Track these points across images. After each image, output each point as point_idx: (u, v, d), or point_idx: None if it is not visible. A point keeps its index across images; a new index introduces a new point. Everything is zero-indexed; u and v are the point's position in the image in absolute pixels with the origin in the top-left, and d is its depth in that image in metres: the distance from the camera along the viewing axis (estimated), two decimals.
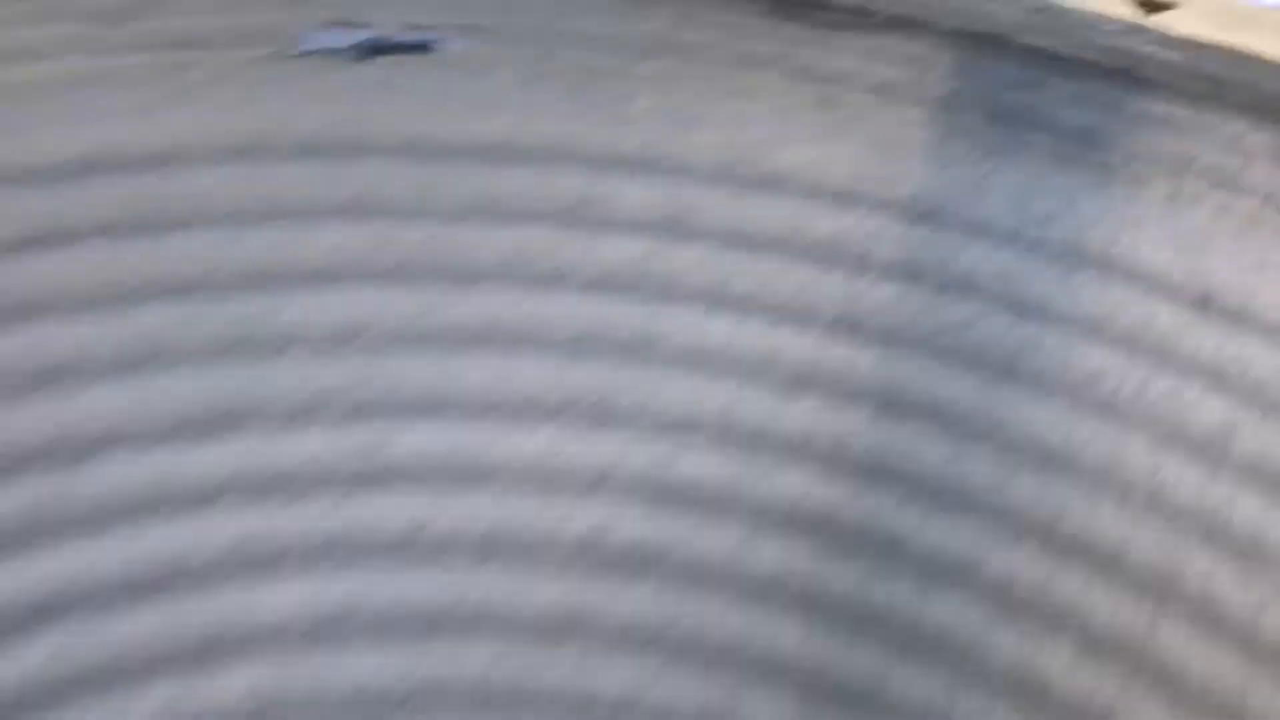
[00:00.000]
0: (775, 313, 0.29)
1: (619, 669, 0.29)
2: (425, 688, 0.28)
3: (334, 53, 0.28)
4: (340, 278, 0.28)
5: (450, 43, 0.27)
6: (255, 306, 0.28)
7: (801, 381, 0.29)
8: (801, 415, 0.29)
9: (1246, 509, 0.27)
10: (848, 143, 0.28)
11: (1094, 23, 0.24)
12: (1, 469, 0.26)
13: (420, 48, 0.27)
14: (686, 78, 0.27)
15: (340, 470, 0.29)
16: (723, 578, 0.29)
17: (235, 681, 0.27)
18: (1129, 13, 0.23)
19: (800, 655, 0.28)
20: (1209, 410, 0.28)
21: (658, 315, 0.29)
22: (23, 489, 0.27)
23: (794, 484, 0.29)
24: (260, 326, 0.28)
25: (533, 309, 0.29)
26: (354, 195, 0.29)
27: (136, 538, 0.27)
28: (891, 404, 0.29)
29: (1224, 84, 0.24)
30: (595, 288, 0.29)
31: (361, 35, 0.27)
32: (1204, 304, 0.28)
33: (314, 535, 0.28)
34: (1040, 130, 0.27)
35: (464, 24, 0.27)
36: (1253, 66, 0.23)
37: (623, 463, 0.29)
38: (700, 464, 0.29)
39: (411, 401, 0.29)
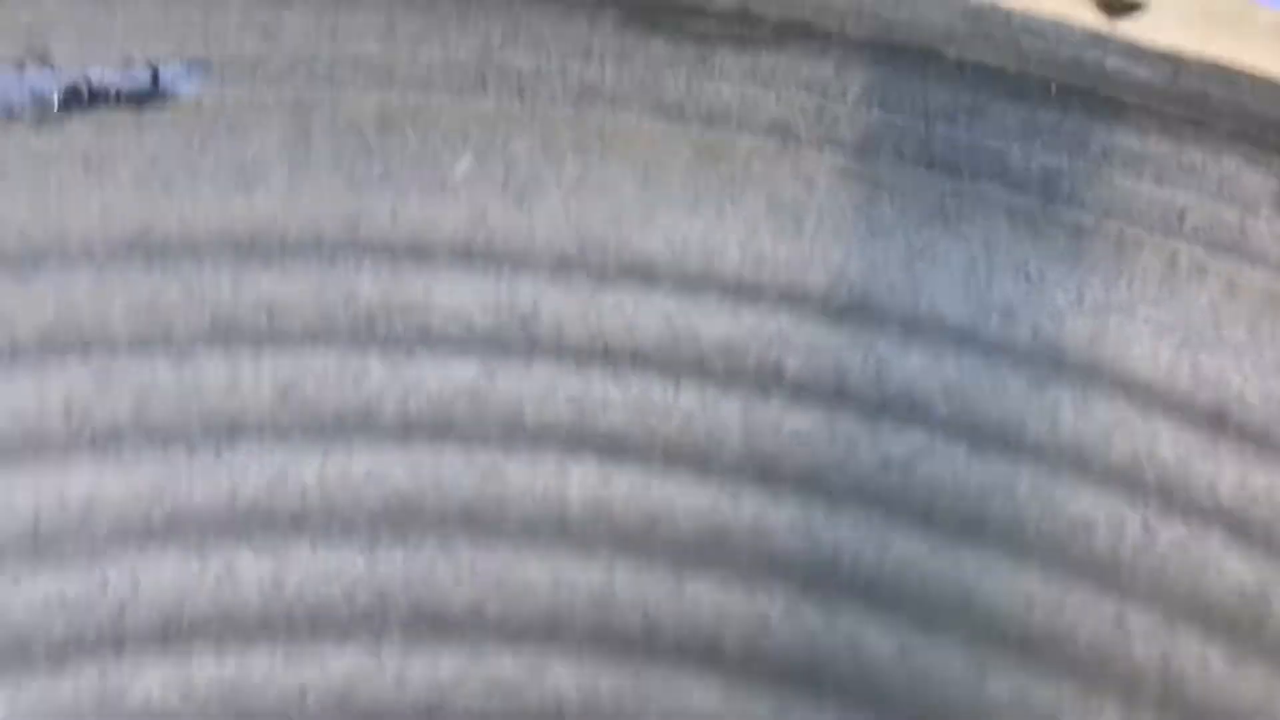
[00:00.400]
0: (658, 454, 0.21)
1: None
2: None
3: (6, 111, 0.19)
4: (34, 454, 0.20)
5: (186, 86, 0.18)
6: None
7: (699, 551, 0.21)
8: (701, 600, 0.21)
9: None
10: (738, 210, 0.20)
11: (1045, 30, 0.17)
12: None
13: (147, 96, 0.18)
14: (519, 125, 0.19)
15: None
16: None
17: None
18: (1090, 17, 0.16)
19: None
20: (1235, 568, 0.20)
21: (499, 467, 0.21)
22: None
23: (698, 698, 0.21)
24: None
25: (322, 470, 0.20)
26: None
27: None
28: (822, 578, 0.21)
29: (1209, 107, 0.17)
30: (410, 433, 0.21)
31: (52, 85, 0.18)
32: (1219, 422, 0.21)
33: None
34: (990, 178, 0.20)
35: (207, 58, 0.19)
36: (1243, 84, 0.16)
37: (461, 685, 0.20)
38: (570, 679, 0.21)
39: (154, 624, 0.20)
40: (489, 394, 0.25)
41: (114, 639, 0.23)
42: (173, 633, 0.24)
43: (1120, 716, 0.24)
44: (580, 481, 0.25)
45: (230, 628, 0.24)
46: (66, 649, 0.23)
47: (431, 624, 0.24)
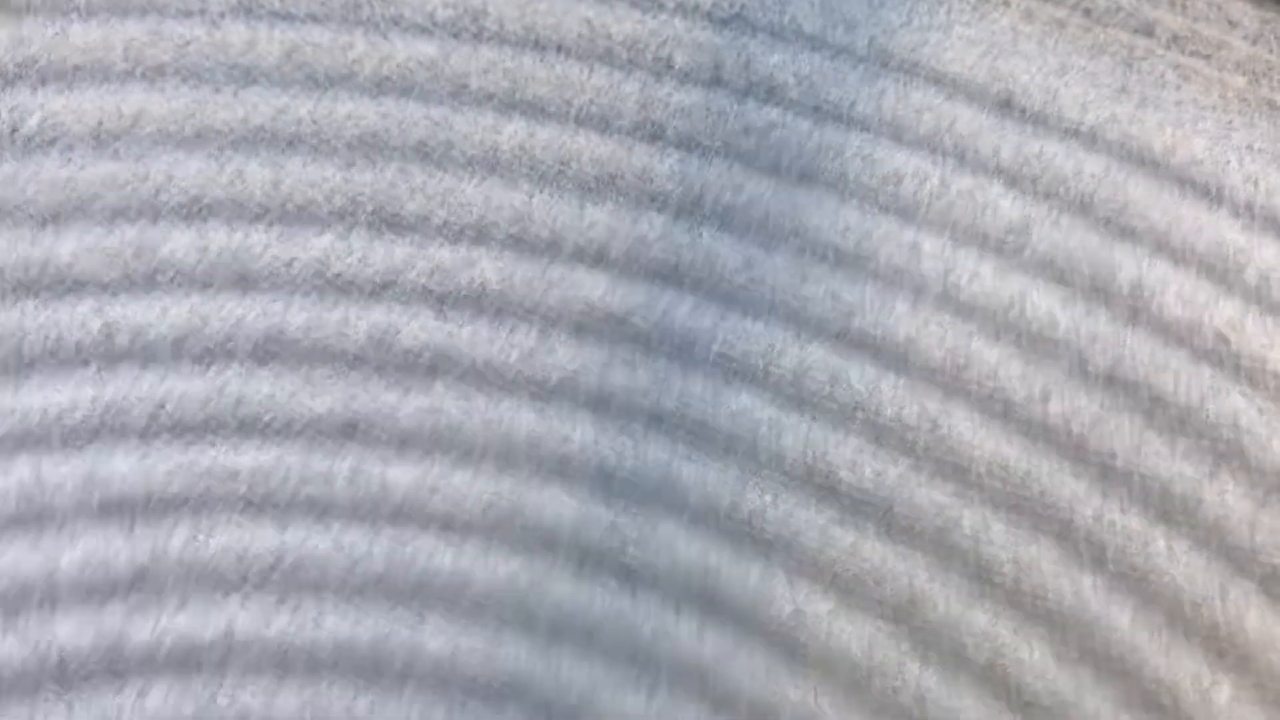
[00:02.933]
0: (572, 117, 0.30)
1: (403, 473, 0.28)
2: (195, 496, 0.27)
3: None
4: (101, 77, 0.29)
5: None
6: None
7: (599, 187, 0.30)
8: (598, 220, 0.29)
9: (1038, 302, 0.28)
10: None
11: None
12: None
13: None
14: None
15: (105, 272, 0.28)
16: (514, 381, 0.28)
17: None
18: None
19: (589, 454, 0.28)
20: (1007, 208, 0.29)
21: (448, 119, 0.30)
22: None
23: (589, 288, 0.29)
24: (7, 127, 0.28)
25: (314, 109, 0.29)
26: None
27: None
28: (690, 209, 0.29)
29: None
30: (381, 90, 0.30)
31: None
32: (1006, 106, 0.30)
33: (75, 334, 0.27)
34: None
35: None
36: None
37: (410, 268, 0.29)
38: (492, 269, 0.29)
39: (182, 203, 0.28)
40: (444, 66, 0.34)
41: (152, 211, 0.32)
42: (194, 211, 0.33)
43: (910, 308, 0.32)
44: (510, 133, 0.34)
45: (239, 212, 0.33)
46: (115, 218, 0.32)
47: (389, 223, 0.33)
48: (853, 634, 0.29)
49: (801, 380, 0.30)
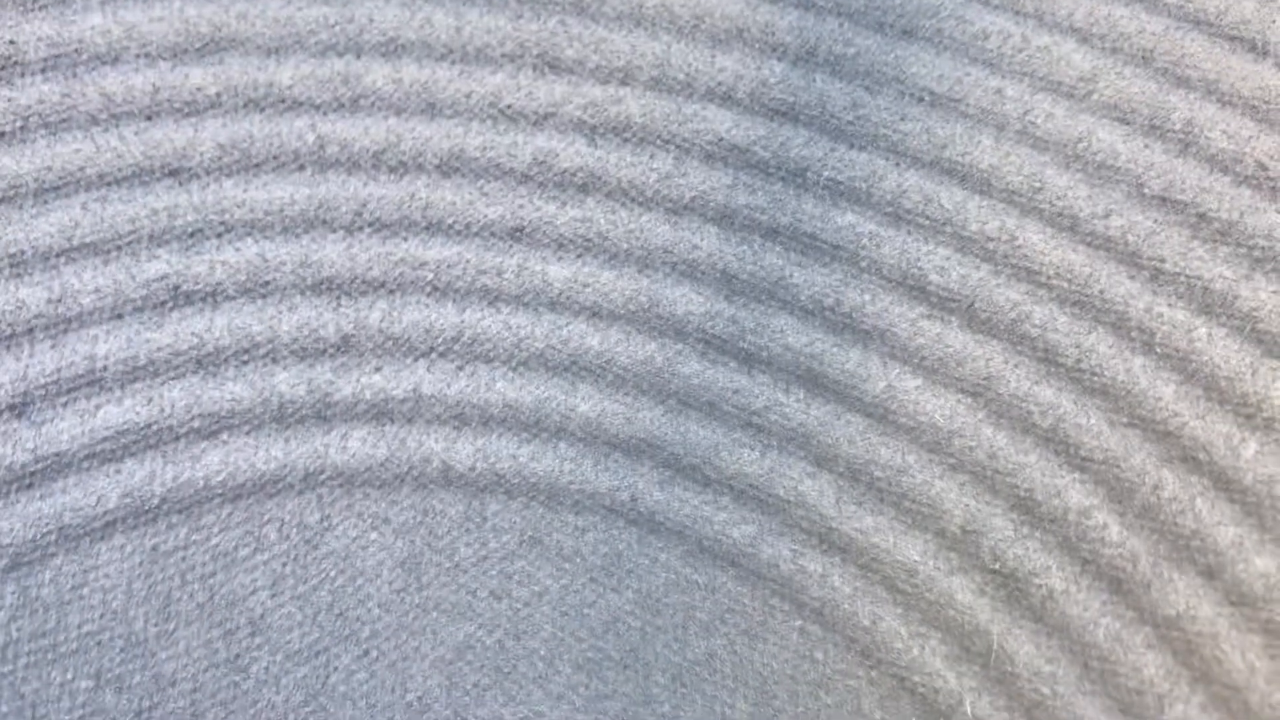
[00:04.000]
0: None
1: (561, 270, 0.34)
2: (390, 280, 0.34)
3: None
4: None
5: None
6: None
7: (728, 38, 0.36)
8: (726, 66, 0.35)
9: (1103, 138, 0.34)
10: None
11: None
12: (12, 73, 0.32)
13: None
14: None
15: (319, 95, 0.34)
16: (653, 198, 0.35)
17: (228, 258, 0.32)
18: None
19: (715, 259, 0.34)
20: (1078, 60, 0.35)
21: None
22: (31, 90, 0.32)
23: (718, 123, 0.35)
24: None
25: None
26: None
27: (138, 138, 0.33)
28: (806, 57, 0.35)
29: None
30: None
31: None
32: None
33: (294, 144, 0.34)
34: None
35: None
36: None
37: (567, 103, 0.35)
38: (636, 105, 0.35)
39: (382, 41, 0.35)
40: None
41: (356, 48, 0.39)
42: (391, 49, 0.39)
43: (994, 142, 0.38)
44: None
45: (427, 51, 0.39)
46: (326, 51, 0.39)
47: (551, 65, 0.39)
48: (936, 405, 0.35)
49: (899, 200, 0.37)
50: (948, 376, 0.35)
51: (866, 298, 0.36)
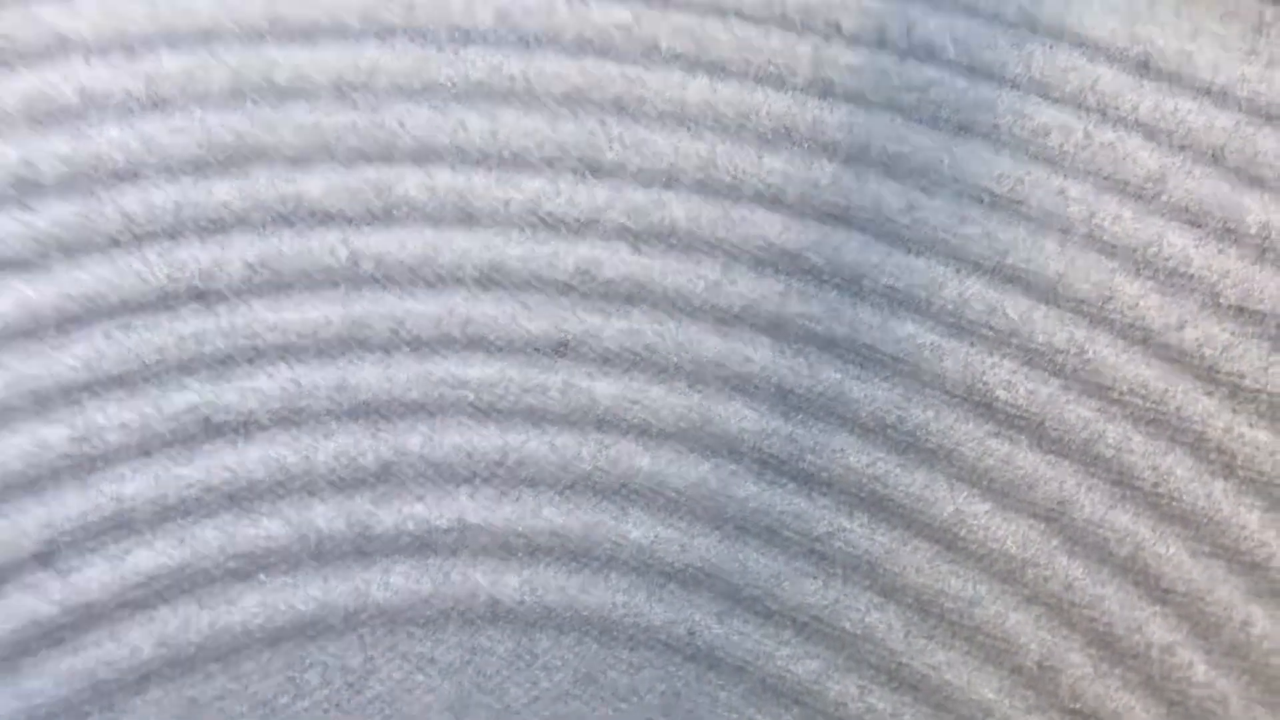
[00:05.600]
0: (751, 75, 0.35)
1: (607, 387, 0.33)
2: (430, 402, 0.32)
3: None
4: (340, 34, 0.33)
5: None
6: (255, 59, 0.33)
7: (775, 137, 0.34)
8: (775, 167, 0.34)
9: (1174, 242, 0.33)
10: None
11: None
12: (24, 195, 0.30)
13: None
14: None
15: (350, 207, 0.33)
16: (701, 307, 0.33)
17: (260, 385, 0.31)
18: None
19: (769, 373, 0.33)
20: (1145, 159, 0.34)
21: (641, 76, 0.34)
22: (48, 212, 0.31)
23: (767, 227, 0.34)
24: (260, 75, 0.33)
25: (525, 67, 0.34)
26: None
27: (162, 259, 0.31)
28: (858, 157, 0.34)
29: None
30: (582, 50, 0.35)
31: None
32: (1144, 67, 0.34)
33: (326, 260, 0.33)
34: None
35: None
36: None
37: (609, 208, 0.34)
38: (681, 210, 0.34)
39: (414, 147, 0.34)
40: (636, 29, 0.39)
41: (387, 154, 0.38)
42: (423, 155, 0.38)
43: (1059, 247, 0.37)
44: (696, 89, 0.39)
45: (462, 157, 0.38)
46: (356, 159, 0.38)
47: (591, 168, 0.38)
48: (1008, 531, 0.34)
49: (961, 310, 0.35)
50: (1019, 500, 0.34)
51: (930, 414, 0.34)
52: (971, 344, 0.34)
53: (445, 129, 0.36)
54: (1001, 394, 0.34)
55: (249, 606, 0.32)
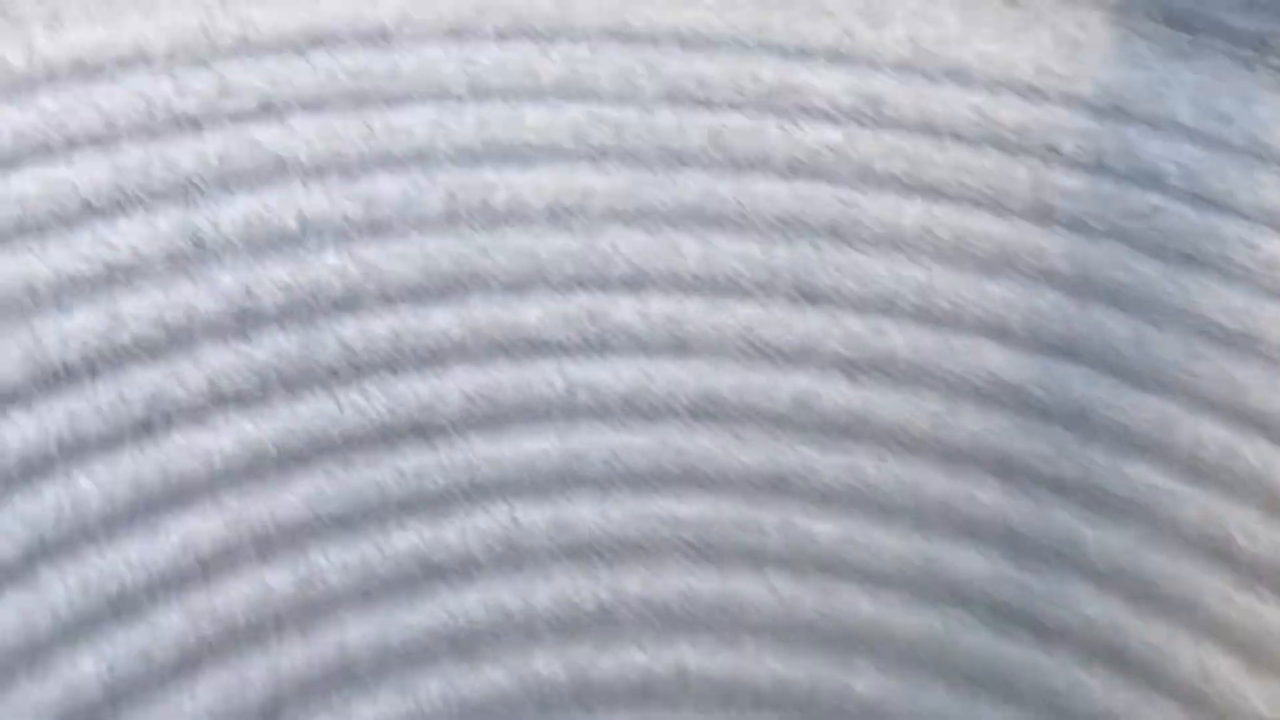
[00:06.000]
0: (968, 198, 0.33)
1: (827, 527, 0.31)
2: (647, 541, 0.31)
3: None
4: (553, 156, 0.32)
5: None
6: (471, 181, 0.32)
7: (996, 263, 0.33)
8: (996, 294, 0.33)
9: None
10: (1031, 40, 0.33)
11: None
12: (245, 326, 0.29)
13: None
14: None
15: (565, 335, 0.32)
16: (924, 443, 0.32)
17: (479, 524, 0.30)
18: None
19: (997, 514, 0.31)
20: None
21: (855, 199, 0.33)
22: (268, 344, 0.30)
23: (990, 358, 0.33)
24: (478, 199, 0.32)
25: (736, 190, 0.33)
26: (562, 76, 0.33)
27: (381, 392, 0.30)
28: (1081, 286, 0.33)
29: None
30: (795, 172, 0.34)
31: None
32: None
33: (543, 390, 0.31)
34: (1216, 35, 0.33)
35: None
36: None
37: (826, 336, 0.33)
38: (901, 339, 0.33)
39: (628, 272, 0.33)
40: (849, 150, 0.38)
41: (601, 280, 0.37)
42: (637, 281, 0.37)
43: None
44: (911, 213, 0.38)
45: (675, 282, 0.37)
46: (571, 286, 0.37)
47: (805, 294, 0.37)
48: (1256, 690, 0.32)
49: (1196, 452, 0.34)
50: (1267, 657, 0.32)
51: (1168, 562, 0.33)
52: (1209, 489, 0.33)
53: (659, 253, 0.35)
54: (1243, 543, 0.32)
55: None
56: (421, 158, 0.34)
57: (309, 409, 0.31)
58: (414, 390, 0.32)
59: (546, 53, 0.35)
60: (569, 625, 0.32)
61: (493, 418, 0.33)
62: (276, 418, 0.31)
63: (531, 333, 0.33)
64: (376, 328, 0.32)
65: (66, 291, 0.30)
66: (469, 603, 0.31)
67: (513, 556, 0.32)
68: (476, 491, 0.32)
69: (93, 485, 0.29)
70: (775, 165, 0.36)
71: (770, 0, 0.36)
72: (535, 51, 0.35)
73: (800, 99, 0.36)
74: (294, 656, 0.30)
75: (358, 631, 0.31)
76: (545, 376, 0.33)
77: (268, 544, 0.30)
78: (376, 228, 0.33)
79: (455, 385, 0.32)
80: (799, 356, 0.35)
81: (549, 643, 0.32)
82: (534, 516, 0.32)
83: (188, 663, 0.28)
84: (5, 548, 0.28)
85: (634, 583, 0.32)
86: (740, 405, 0.34)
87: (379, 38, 0.34)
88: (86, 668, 0.29)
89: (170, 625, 0.29)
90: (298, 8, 0.34)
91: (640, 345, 0.34)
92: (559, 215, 0.34)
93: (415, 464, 0.31)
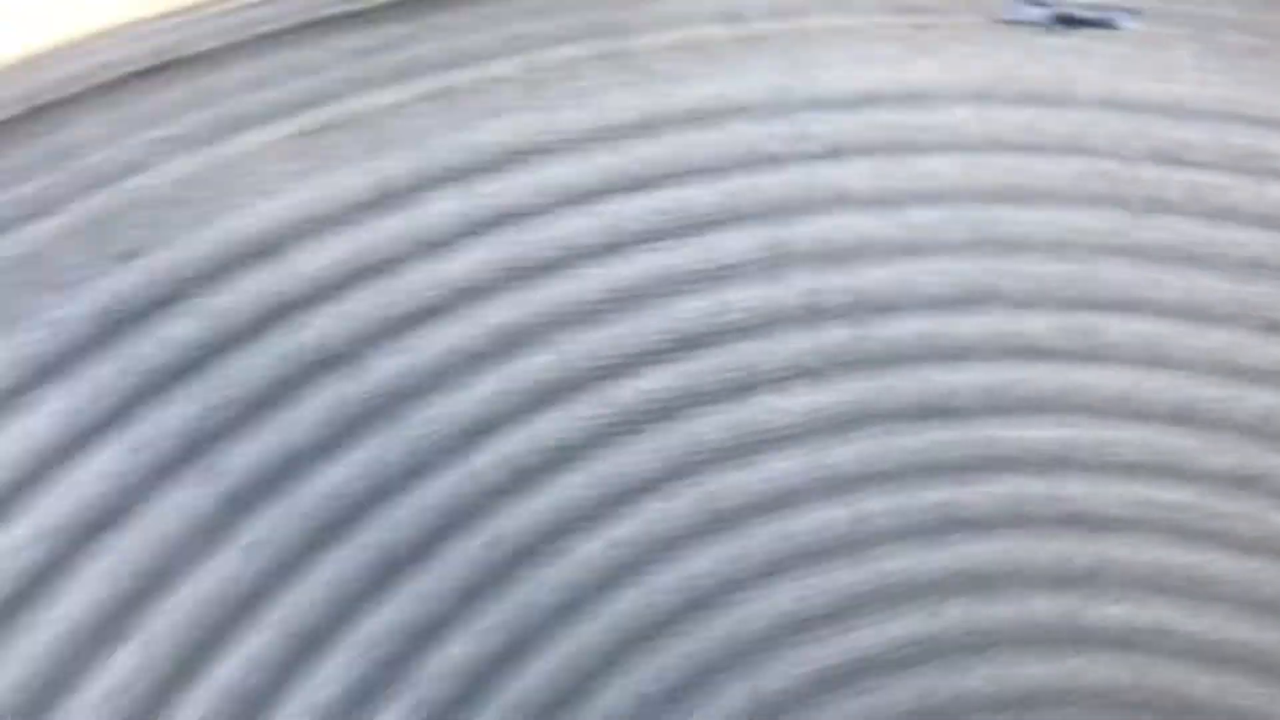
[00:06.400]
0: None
1: None
2: (1129, 518, 0.38)
3: (1033, 23, 0.41)
4: (1054, 199, 0.40)
5: (1126, 22, 0.41)
6: (988, 216, 0.40)
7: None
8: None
9: None
10: None
11: None
12: (813, 318, 0.37)
13: (1103, 24, 0.41)
14: None
15: (1064, 345, 0.40)
16: None
17: (992, 489, 0.37)
18: None
19: None
20: None
21: None
22: (830, 333, 0.38)
23: None
24: (996, 231, 0.40)
25: (1210, 236, 0.40)
26: (1066, 135, 0.41)
27: (914, 378, 0.38)
28: None
29: None
30: (1262, 223, 0.41)
31: (1051, 11, 0.41)
32: None
33: (1044, 389, 0.39)
34: None
35: (1134, 8, 0.41)
36: None
37: None
38: None
39: (1118, 298, 0.40)
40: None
41: None
42: None
43: None
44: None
45: None
46: None
47: None
48: None
49: None
50: None
51: None
52: None
53: (1143, 284, 0.42)
54: None
55: (980, 676, 0.38)
56: (950, 195, 0.42)
57: (859, 386, 0.40)
58: (940, 379, 0.40)
59: (1053, 116, 0.44)
60: (1062, 579, 0.39)
61: (1002, 406, 0.41)
62: (835, 390, 0.40)
63: (1036, 341, 0.41)
64: (910, 328, 0.41)
65: (689, 281, 0.40)
66: (983, 552, 0.39)
67: (1018, 519, 0.39)
68: (988, 464, 0.40)
69: (708, 426, 0.39)
70: (1245, 217, 0.43)
71: (1245, 76, 0.44)
72: (1043, 114, 0.44)
73: (1270, 163, 0.43)
74: (841, 578, 0.38)
75: (895, 564, 0.39)
76: (1045, 377, 0.41)
77: (832, 486, 0.39)
78: (913, 249, 0.42)
79: (973, 378, 0.40)
80: (1266, 377, 0.41)
81: (1045, 591, 0.39)
82: (1035, 488, 0.40)
83: (777, 571, 0.37)
84: (647, 466, 0.37)
85: (1121, 551, 0.40)
86: (1214, 414, 0.41)
87: (918, 97, 0.43)
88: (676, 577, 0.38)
89: (760, 543, 0.38)
90: (854, 72, 0.44)
91: (1127, 358, 0.41)
92: (1060, 247, 0.42)
93: (940, 438, 0.40)
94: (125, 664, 0.29)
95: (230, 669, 0.30)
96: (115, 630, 0.29)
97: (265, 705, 0.29)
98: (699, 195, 0.40)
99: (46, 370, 0.32)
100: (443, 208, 0.38)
